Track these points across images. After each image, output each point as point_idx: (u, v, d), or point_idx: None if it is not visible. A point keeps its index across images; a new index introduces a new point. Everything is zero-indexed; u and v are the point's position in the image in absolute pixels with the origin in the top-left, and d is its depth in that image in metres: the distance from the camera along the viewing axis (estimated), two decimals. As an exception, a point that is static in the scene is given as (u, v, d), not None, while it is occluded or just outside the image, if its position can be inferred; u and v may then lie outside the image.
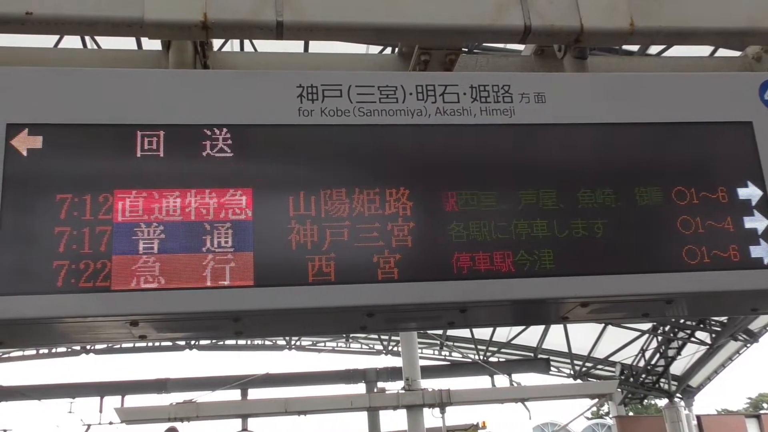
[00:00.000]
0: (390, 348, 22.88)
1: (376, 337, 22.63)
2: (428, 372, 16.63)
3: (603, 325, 19.02)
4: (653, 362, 18.70)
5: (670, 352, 18.23)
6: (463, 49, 3.28)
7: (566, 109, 3.01)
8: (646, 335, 18.70)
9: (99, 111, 2.73)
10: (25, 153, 2.63)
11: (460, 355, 21.56)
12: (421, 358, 16.46)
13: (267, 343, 23.22)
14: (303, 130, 2.83)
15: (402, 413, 14.60)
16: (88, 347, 21.43)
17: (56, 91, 2.74)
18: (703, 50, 6.52)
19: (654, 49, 7.97)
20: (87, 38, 8.72)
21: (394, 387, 15.71)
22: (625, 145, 3.00)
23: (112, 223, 2.60)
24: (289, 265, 2.66)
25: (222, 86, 2.85)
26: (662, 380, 19.01)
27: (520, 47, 3.54)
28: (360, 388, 18.03)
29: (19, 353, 21.57)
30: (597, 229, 2.86)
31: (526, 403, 15.67)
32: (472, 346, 21.23)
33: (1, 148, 2.61)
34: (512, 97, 3.00)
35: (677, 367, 19.09)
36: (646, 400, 23.57)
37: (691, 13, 3.23)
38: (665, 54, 7.66)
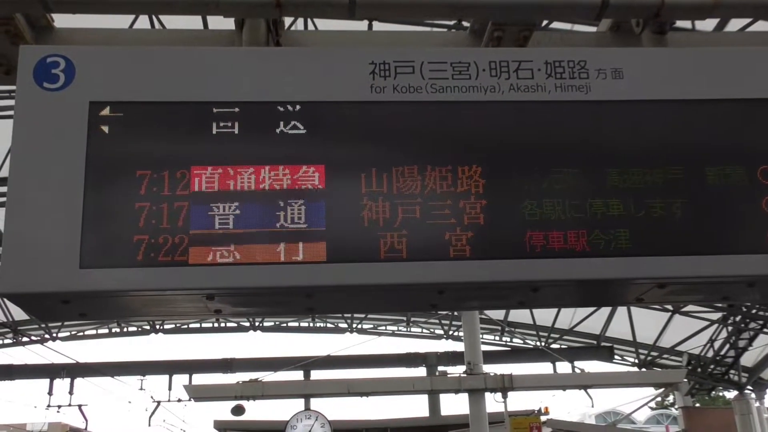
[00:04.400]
0: (450, 333, 22.82)
1: (436, 321, 22.60)
2: (489, 357, 16.54)
3: (669, 313, 18.55)
4: (723, 353, 18.14)
5: (741, 343, 17.64)
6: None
7: (645, 85, 2.92)
8: (716, 325, 18.14)
9: (176, 88, 2.79)
10: (106, 130, 2.71)
11: (521, 341, 21.37)
12: (482, 343, 16.37)
13: (328, 325, 23.48)
14: (375, 106, 2.83)
15: (462, 398, 14.56)
16: (157, 326, 22.09)
17: (136, 70, 2.80)
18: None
19: (733, 26, 7.65)
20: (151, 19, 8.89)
21: (455, 371, 15.69)
22: (707, 122, 2.89)
23: (189, 199, 2.66)
24: (361, 241, 2.67)
25: (295, 63, 2.87)
26: (732, 371, 18.43)
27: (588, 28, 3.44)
28: (420, 372, 18.08)
29: (93, 331, 22.39)
30: (676, 209, 2.78)
31: (588, 390, 15.46)
32: (534, 332, 20.99)
33: (85, 125, 2.70)
34: (588, 73, 2.93)
35: (748, 359, 18.47)
36: (713, 392, 22.92)
37: (778, -17, 3.08)
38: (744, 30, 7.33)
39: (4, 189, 11.68)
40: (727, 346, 17.88)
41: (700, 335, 18.65)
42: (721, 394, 28.60)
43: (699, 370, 19.01)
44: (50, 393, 18.01)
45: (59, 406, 18.45)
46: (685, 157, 2.83)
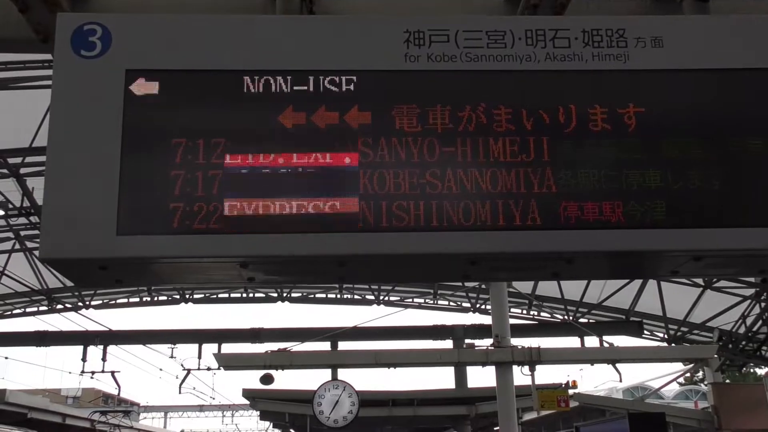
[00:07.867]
0: (478, 306, 22.83)
1: (464, 294, 22.60)
2: (517, 330, 16.52)
3: (701, 288, 18.34)
4: (755, 329, 17.91)
5: (774, 319, 17.40)
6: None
7: (685, 53, 2.86)
8: (748, 301, 17.90)
9: (211, 56, 2.79)
10: (142, 98, 2.72)
11: (549, 315, 21.30)
12: (509, 316, 16.34)
13: (356, 297, 23.62)
14: (409, 75, 2.80)
15: (489, 371, 14.59)
16: (187, 296, 22.40)
17: (171, 38, 2.81)
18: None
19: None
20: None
21: (482, 344, 15.70)
22: (748, 92, 2.83)
23: (223, 167, 2.67)
24: (394, 210, 2.66)
25: (329, 32, 2.85)
26: (764, 348, 18.21)
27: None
28: (447, 344, 18.14)
29: (125, 300, 22.78)
30: (714, 180, 2.73)
31: (617, 365, 15.39)
32: (562, 306, 20.91)
33: (121, 93, 2.71)
34: (627, 41, 2.88)
35: (781, 335, 18.22)
36: (744, 368, 22.69)
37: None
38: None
39: (41, 158, 11.84)
40: (760, 322, 17.65)
41: (732, 311, 18.41)
42: (752, 370, 28.32)
43: (730, 346, 18.81)
44: (84, 359, 18.43)
45: (93, 373, 18.88)
46: (726, 127, 2.77)
